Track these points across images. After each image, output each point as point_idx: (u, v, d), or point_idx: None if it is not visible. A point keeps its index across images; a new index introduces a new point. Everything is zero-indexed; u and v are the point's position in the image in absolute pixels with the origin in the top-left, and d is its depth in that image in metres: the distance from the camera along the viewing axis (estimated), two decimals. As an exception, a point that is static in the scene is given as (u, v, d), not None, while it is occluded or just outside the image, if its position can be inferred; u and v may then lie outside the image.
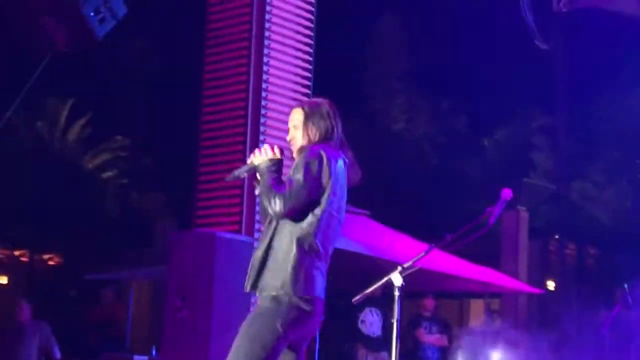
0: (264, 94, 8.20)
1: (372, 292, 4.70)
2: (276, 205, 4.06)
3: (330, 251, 4.30)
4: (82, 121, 19.24)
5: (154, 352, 8.42)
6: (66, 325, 13.87)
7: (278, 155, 4.21)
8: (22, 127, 17.84)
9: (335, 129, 4.36)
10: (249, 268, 4.23)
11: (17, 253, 19.01)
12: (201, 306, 6.90)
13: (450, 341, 11.30)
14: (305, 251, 4.12)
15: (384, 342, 10.47)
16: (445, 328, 11.60)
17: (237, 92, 8.23)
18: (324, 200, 4.18)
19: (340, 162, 4.28)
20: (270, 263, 4.13)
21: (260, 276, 4.15)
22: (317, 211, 4.16)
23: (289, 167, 4.28)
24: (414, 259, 4.57)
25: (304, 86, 8.57)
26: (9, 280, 18.93)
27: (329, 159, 4.18)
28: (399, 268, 4.53)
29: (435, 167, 20.62)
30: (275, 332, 4.03)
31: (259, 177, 4.22)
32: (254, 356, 4.01)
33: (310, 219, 4.15)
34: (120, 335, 11.98)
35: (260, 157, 4.21)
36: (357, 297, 4.69)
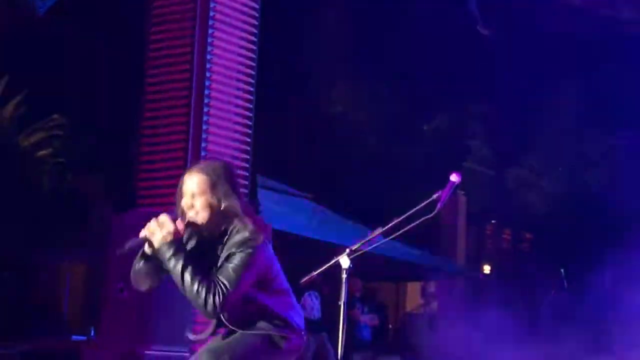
0: (208, 73, 8.14)
1: (318, 274, 4.70)
2: (209, 304, 3.81)
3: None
4: (17, 99, 18.85)
5: (92, 332, 8.33)
6: (1, 308, 13.65)
7: (171, 233, 3.87)
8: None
9: (240, 193, 4.09)
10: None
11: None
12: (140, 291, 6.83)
13: (382, 322, 11.49)
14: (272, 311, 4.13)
15: (323, 324, 10.57)
16: (377, 308, 11.82)
17: (181, 72, 8.17)
18: (269, 280, 4.09)
19: (265, 242, 4.04)
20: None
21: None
22: (270, 288, 4.11)
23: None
24: (362, 241, 4.59)
25: (247, 66, 8.54)
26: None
27: (261, 247, 3.98)
28: (347, 250, 4.55)
29: (375, 152, 20.70)
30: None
31: (161, 258, 3.91)
32: None
33: (263, 296, 4.07)
34: (57, 317, 11.84)
35: (154, 236, 3.91)
36: (304, 279, 4.70)
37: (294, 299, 4.32)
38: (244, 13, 8.45)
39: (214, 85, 8.18)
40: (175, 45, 8.26)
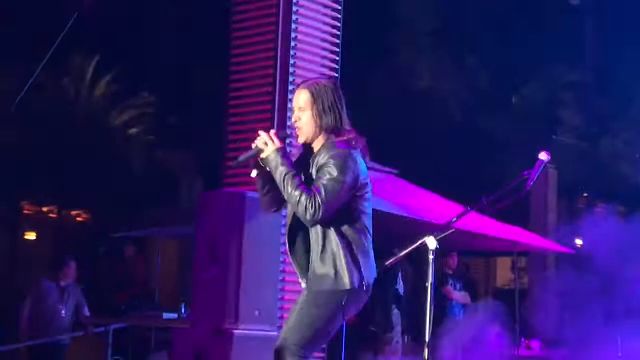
0: (292, 52, 8.13)
1: (406, 254, 4.66)
2: (308, 211, 3.95)
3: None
4: (108, 78, 19.20)
5: (183, 310, 8.46)
6: (94, 283, 13.99)
7: (279, 144, 4.09)
8: (49, 83, 17.83)
9: (343, 112, 4.23)
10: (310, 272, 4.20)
11: (45, 209, 19.14)
12: (231, 265, 6.91)
13: (472, 298, 11.39)
14: (361, 244, 4.15)
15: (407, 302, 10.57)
16: (469, 285, 11.72)
17: (266, 51, 8.16)
18: (360, 196, 4.15)
19: (359, 156, 4.17)
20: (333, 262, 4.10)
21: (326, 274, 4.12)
22: (359, 207, 4.14)
23: (296, 148, 4.24)
24: (449, 222, 4.52)
25: (332, 44, 8.49)
26: (37, 236, 19.09)
27: (355, 158, 4.10)
28: (434, 232, 4.48)
29: (461, 124, 20.45)
30: (331, 322, 4.13)
31: (269, 168, 4.10)
32: (309, 341, 4.09)
33: (354, 214, 4.12)
34: (145, 293, 12.05)
35: (266, 147, 4.09)
36: (392, 260, 4.66)
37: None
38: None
39: (298, 63, 8.16)
40: (259, 25, 8.27)
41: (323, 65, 8.33)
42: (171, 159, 19.02)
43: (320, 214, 3.95)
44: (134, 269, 12.10)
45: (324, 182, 3.99)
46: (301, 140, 4.24)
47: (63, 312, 9.32)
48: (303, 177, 4.09)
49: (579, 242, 17.56)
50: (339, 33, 8.49)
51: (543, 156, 4.46)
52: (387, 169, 10.83)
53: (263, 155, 4.10)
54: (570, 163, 18.12)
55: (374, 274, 4.25)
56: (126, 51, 18.58)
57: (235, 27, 8.45)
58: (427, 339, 4.35)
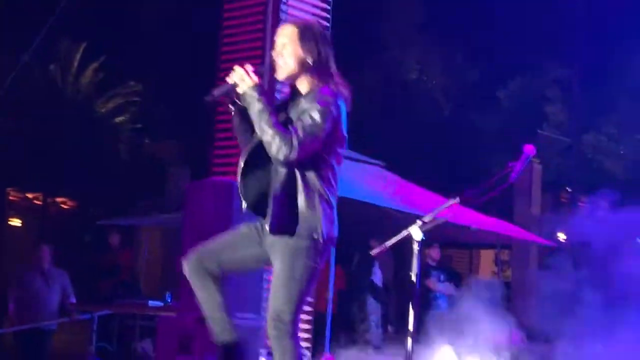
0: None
1: (391, 245, 4.71)
2: (282, 150, 3.82)
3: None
4: (95, 65, 19.15)
5: (169, 298, 8.47)
6: (80, 271, 13.98)
7: (256, 80, 3.92)
8: (36, 69, 17.77)
9: (329, 55, 4.06)
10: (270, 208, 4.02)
11: (30, 196, 19.10)
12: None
13: (457, 290, 11.45)
14: (326, 195, 4.01)
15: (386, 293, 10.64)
16: (452, 277, 11.75)
17: (255, 40, 8.19)
18: (334, 147, 4.01)
19: (343, 105, 4.03)
20: (296, 206, 3.96)
21: (289, 218, 3.99)
22: (330, 158, 4.01)
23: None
24: (433, 212, 4.56)
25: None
26: (22, 223, 19.05)
27: (339, 106, 3.97)
28: (419, 222, 4.52)
29: (448, 118, 20.54)
30: (314, 271, 4.03)
31: (245, 104, 3.94)
32: (300, 295, 4.02)
33: (324, 164, 3.99)
34: (130, 281, 12.06)
35: (242, 82, 3.93)
36: (376, 250, 4.70)
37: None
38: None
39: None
40: (248, 14, 8.29)
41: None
42: (158, 147, 19.01)
43: (294, 154, 3.82)
44: (119, 257, 12.09)
45: (304, 124, 3.86)
46: (281, 76, 4.07)
47: (48, 297, 9.34)
48: (282, 118, 3.96)
49: (561, 235, 17.70)
50: (328, 25, 8.52)
51: (528, 149, 4.51)
52: (374, 161, 10.87)
53: (239, 91, 3.95)
54: (555, 158, 18.26)
55: (337, 229, 4.12)
56: (114, 39, 18.55)
57: (226, 21, 8.48)
58: (410, 329, 4.39)
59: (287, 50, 4.02)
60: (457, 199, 4.62)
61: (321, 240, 4.01)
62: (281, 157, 3.84)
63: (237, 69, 3.97)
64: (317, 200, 3.98)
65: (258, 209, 4.11)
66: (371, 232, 9.77)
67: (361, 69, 19.24)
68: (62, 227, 18.39)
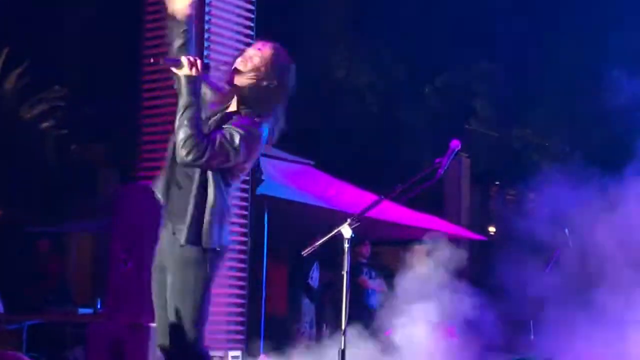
0: (205, 52, 8.11)
1: (321, 244, 4.72)
2: (192, 153, 3.84)
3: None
4: (18, 70, 18.79)
5: (98, 305, 8.38)
6: (7, 279, 13.71)
7: (198, 73, 3.93)
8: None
9: (285, 94, 4.18)
10: (173, 215, 4.11)
11: (-48, 205, 18.66)
12: (147, 259, 6.86)
13: (389, 286, 11.51)
14: (222, 205, 4.06)
15: (321, 294, 10.66)
16: (383, 273, 11.81)
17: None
18: (238, 172, 4.11)
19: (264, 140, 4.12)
20: (195, 214, 4.02)
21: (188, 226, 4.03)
22: (227, 175, 4.06)
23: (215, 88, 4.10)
24: (363, 210, 4.59)
25: (245, 35, 8.49)
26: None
27: (262, 143, 4.06)
28: (348, 220, 4.54)
29: (376, 115, 20.64)
30: (207, 280, 4.05)
31: (177, 90, 3.99)
32: (201, 309, 4.01)
33: (220, 176, 4.04)
34: (60, 288, 11.89)
35: (185, 67, 3.93)
36: (307, 250, 4.71)
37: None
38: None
39: (212, 49, 8.15)
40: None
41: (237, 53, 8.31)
42: (85, 152, 18.75)
43: (201, 161, 3.86)
44: (48, 264, 11.91)
45: (222, 139, 3.90)
46: (224, 84, 4.15)
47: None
48: (205, 128, 3.97)
49: (491, 229, 17.95)
50: (252, 25, 8.49)
51: (454, 144, 4.57)
52: (303, 160, 10.89)
53: (177, 71, 3.95)
54: (483, 152, 18.48)
55: (227, 237, 4.16)
56: (36, 43, 18.23)
57: (148, 23, 8.38)
58: (343, 328, 4.41)
59: (252, 65, 4.07)
60: (386, 196, 4.66)
61: (209, 249, 4.02)
62: (188, 158, 3.87)
63: (189, 57, 3.96)
64: (207, 208, 4.00)
65: (166, 199, 4.20)
66: (304, 232, 9.79)
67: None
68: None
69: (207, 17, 8.09)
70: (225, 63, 8.10)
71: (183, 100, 3.91)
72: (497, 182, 18.65)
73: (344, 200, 10.09)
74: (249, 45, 8.30)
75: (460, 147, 4.57)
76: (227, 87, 4.15)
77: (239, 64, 4.11)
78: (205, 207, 4.00)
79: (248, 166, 4.13)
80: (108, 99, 17.47)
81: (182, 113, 3.88)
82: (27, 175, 17.51)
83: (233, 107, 4.13)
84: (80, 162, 18.69)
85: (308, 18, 20.90)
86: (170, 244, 4.09)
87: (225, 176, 4.03)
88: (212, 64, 4.16)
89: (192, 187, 4.01)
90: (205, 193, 4.00)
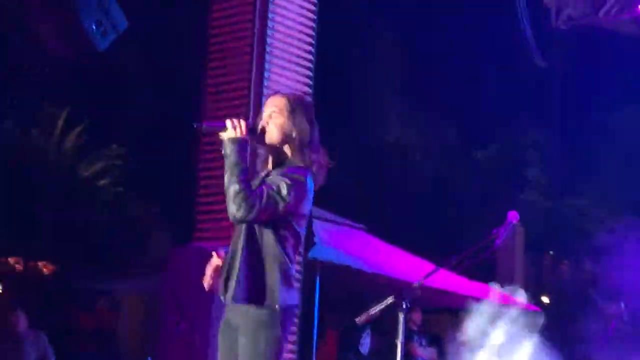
0: (265, 98, 8.22)
1: (375, 313, 4.68)
2: (242, 208, 3.85)
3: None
4: (78, 129, 19.17)
5: (150, 364, 8.41)
6: (60, 334, 13.83)
7: (243, 134, 3.96)
8: (18, 134, 17.78)
9: (315, 130, 4.13)
10: (227, 277, 4.11)
11: (11, 260, 18.91)
12: (199, 320, 6.90)
13: (439, 354, 11.38)
14: (284, 261, 4.02)
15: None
16: (434, 341, 11.67)
17: (240, 106, 8.24)
18: (294, 221, 4.05)
19: (312, 184, 4.09)
20: (252, 272, 4.01)
21: (246, 286, 4.02)
22: (288, 230, 4.04)
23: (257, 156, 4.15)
24: (419, 281, 4.56)
25: (304, 83, 8.60)
26: (2, 289, 18.84)
27: (310, 188, 4.03)
28: (404, 289, 4.52)
29: (427, 179, 20.62)
30: (279, 342, 4.00)
31: (223, 152, 3.99)
32: None
33: (283, 233, 4.01)
34: (115, 346, 11.96)
35: (230, 129, 3.97)
36: (362, 318, 4.67)
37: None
38: (300, 40, 8.53)
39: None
40: (233, 81, 8.37)
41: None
42: (140, 211, 18.96)
43: (251, 215, 3.86)
44: (102, 321, 12.00)
45: (270, 191, 3.91)
46: (267, 142, 4.11)
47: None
48: (254, 184, 4.00)
49: (545, 299, 17.70)
50: (310, 82, 8.58)
51: (512, 216, 4.53)
52: (355, 224, 10.89)
53: (223, 136, 3.98)
54: (537, 220, 18.30)
55: (297, 297, 4.13)
56: (97, 102, 18.61)
57: (210, 81, 8.54)
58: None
59: (274, 120, 4.07)
60: (442, 266, 4.64)
61: (279, 309, 3.99)
62: (239, 215, 3.88)
63: (233, 120, 4.01)
64: (275, 267, 3.99)
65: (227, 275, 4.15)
66: (356, 296, 9.76)
67: (339, 130, 19.35)
68: (43, 292, 18.21)
69: (265, 91, 8.21)
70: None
71: (230, 160, 3.96)
72: (550, 251, 18.44)
73: (396, 266, 10.06)
74: (307, 93, 8.45)
75: (518, 219, 4.54)
76: (261, 148, 4.19)
77: (262, 123, 4.14)
78: (262, 263, 3.99)
79: (301, 213, 4.06)
80: (164, 159, 17.70)
81: (230, 172, 3.93)
82: (82, 232, 17.74)
83: (278, 158, 4.15)
84: (134, 220, 18.89)
85: (360, 80, 21.09)
86: (238, 309, 4.07)
87: (278, 228, 4.01)
88: (258, 124, 4.16)
89: (243, 243, 4.02)
90: (259, 248, 3.99)
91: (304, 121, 4.07)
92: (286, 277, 4.02)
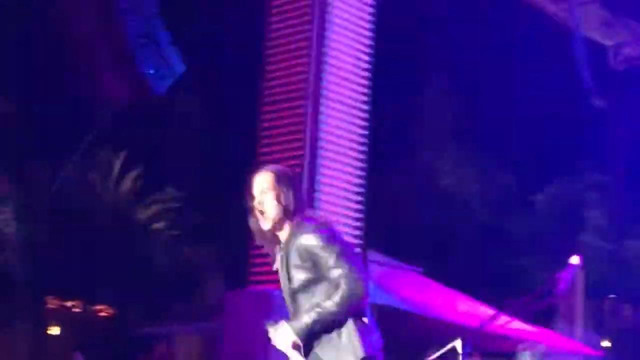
0: (321, 142, 8.22)
1: (436, 358, 4.62)
2: (355, 294, 3.78)
3: None
4: (134, 173, 19.39)
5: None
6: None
7: (293, 341, 3.83)
8: (75, 178, 18.03)
9: (303, 196, 4.19)
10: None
11: (69, 304, 19.10)
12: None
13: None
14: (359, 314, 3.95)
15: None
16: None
17: (295, 150, 8.26)
18: None
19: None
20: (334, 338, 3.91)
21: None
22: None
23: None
24: (479, 327, 4.50)
25: (359, 143, 8.58)
26: (60, 331, 19.00)
27: (333, 228, 3.97)
28: (462, 336, 4.45)
29: (486, 224, 20.43)
30: None
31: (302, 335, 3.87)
32: None
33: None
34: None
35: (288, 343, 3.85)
36: (421, 364, 4.62)
37: None
38: (353, 90, 8.54)
39: (325, 159, 8.25)
40: (287, 124, 8.39)
41: (349, 176, 8.40)
42: (195, 254, 19.04)
43: (362, 285, 3.79)
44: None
45: (332, 264, 3.84)
46: (266, 227, 4.03)
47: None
48: (286, 279, 3.95)
49: (606, 344, 17.31)
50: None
51: (574, 260, 4.45)
52: (412, 267, 10.79)
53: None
54: (596, 263, 17.98)
55: (378, 340, 3.99)
56: (152, 147, 18.81)
57: (264, 125, 8.58)
58: None
59: (267, 198, 4.05)
60: (503, 311, 4.56)
61: (373, 356, 3.91)
62: (360, 297, 3.81)
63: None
64: (351, 325, 3.89)
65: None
66: (413, 341, 9.63)
67: (397, 174, 19.30)
68: (101, 335, 18.33)
69: (322, 125, 8.22)
70: (338, 172, 8.20)
71: (309, 330, 3.83)
72: (611, 295, 18.07)
73: (454, 310, 9.91)
74: (361, 146, 8.43)
75: (581, 263, 4.44)
76: (270, 234, 4.14)
77: (256, 208, 4.09)
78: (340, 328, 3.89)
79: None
80: (219, 203, 17.80)
81: (325, 320, 3.82)
82: (138, 276, 17.86)
83: (285, 233, 4.07)
84: (190, 264, 18.98)
85: (416, 125, 21.06)
86: None
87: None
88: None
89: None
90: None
91: (293, 188, 4.07)
92: (363, 329, 3.93)
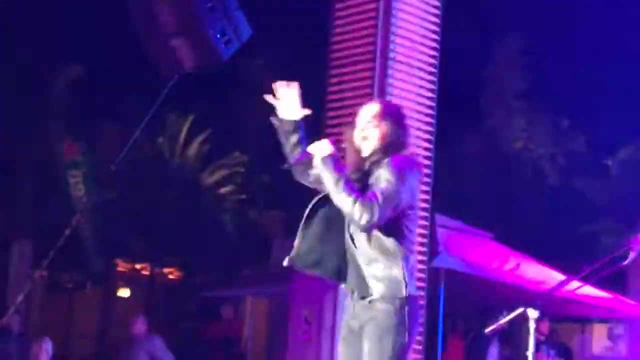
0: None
1: (505, 323, 4.58)
2: (364, 217, 3.80)
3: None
4: (201, 137, 19.55)
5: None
6: (184, 341, 14.08)
7: (331, 150, 3.93)
8: (146, 143, 18.25)
9: (408, 133, 4.15)
10: (354, 275, 4.04)
11: (138, 266, 19.44)
12: (326, 330, 6.90)
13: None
14: (404, 257, 3.99)
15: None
16: (562, 352, 11.38)
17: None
18: (407, 218, 4.01)
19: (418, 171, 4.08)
20: (378, 269, 3.97)
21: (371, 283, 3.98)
22: (405, 221, 4.00)
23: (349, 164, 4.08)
24: (550, 291, 4.43)
25: (427, 107, 8.48)
26: (130, 293, 19.37)
27: (415, 171, 4.01)
28: (535, 300, 4.40)
29: (555, 187, 20.16)
30: (406, 346, 3.96)
31: (321, 174, 3.96)
32: None
33: (401, 227, 3.98)
34: (240, 353, 12.06)
35: (317, 152, 3.97)
36: (491, 328, 4.58)
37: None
38: (422, 53, 8.43)
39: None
40: (354, 88, 8.33)
41: (418, 128, 8.32)
42: (262, 217, 19.16)
43: (376, 218, 3.81)
44: (232, 330, 12.11)
45: (382, 187, 3.87)
46: (366, 153, 4.08)
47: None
48: (359, 186, 3.95)
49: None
50: (433, 95, 8.48)
51: (649, 225, 4.34)
52: (482, 232, 10.69)
53: (314, 162, 3.99)
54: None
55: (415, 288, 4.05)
56: (219, 110, 18.91)
57: (332, 89, 8.54)
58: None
59: (370, 126, 4.08)
60: (574, 276, 4.48)
61: (407, 304, 3.95)
62: (364, 222, 3.83)
63: (315, 143, 4.03)
64: (400, 262, 3.95)
65: (340, 276, 4.09)
66: (482, 306, 9.57)
67: (466, 138, 19.13)
68: (169, 298, 18.62)
69: (389, 96, 8.15)
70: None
71: (328, 179, 3.93)
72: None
73: (524, 275, 9.81)
74: (430, 109, 8.35)
75: (657, 227, 4.33)
76: (360, 154, 4.13)
77: (356, 135, 4.11)
78: (389, 258, 3.96)
79: (416, 202, 4.09)
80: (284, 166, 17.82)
81: (336, 190, 3.90)
82: (206, 239, 18.04)
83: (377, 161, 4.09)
84: (256, 227, 19.11)
85: (487, 87, 20.80)
86: (364, 309, 4.03)
87: (397, 224, 3.98)
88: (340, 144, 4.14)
89: (366, 242, 3.97)
90: (383, 245, 3.96)
91: (399, 124, 4.10)
92: (409, 267, 4.00)
